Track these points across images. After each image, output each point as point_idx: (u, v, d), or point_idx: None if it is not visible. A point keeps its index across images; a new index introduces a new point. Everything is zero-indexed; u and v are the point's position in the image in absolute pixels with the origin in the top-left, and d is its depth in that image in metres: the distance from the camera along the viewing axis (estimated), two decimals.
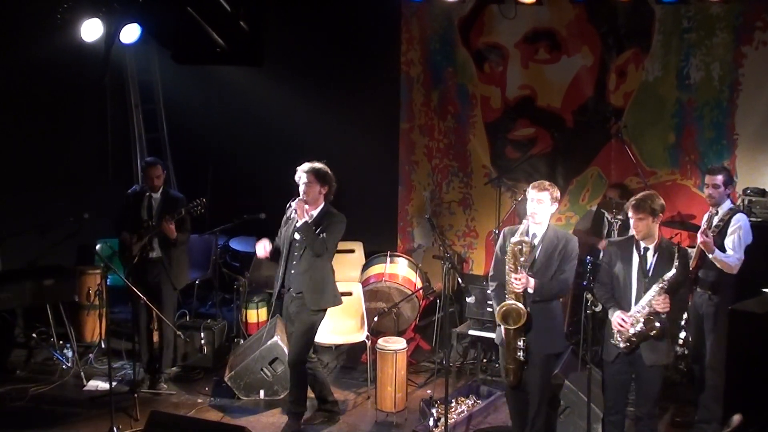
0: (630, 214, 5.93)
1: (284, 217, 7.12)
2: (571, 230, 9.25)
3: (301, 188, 6.88)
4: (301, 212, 6.81)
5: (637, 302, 5.96)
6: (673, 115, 9.05)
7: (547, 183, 6.25)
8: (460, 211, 10.21)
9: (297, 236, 6.90)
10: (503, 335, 6.29)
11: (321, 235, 6.83)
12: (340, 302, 7.22)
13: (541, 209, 6.19)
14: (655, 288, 5.86)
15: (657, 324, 5.84)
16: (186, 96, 10.89)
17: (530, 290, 6.12)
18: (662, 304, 5.83)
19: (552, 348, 6.31)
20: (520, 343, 6.21)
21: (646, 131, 9.16)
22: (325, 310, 7.12)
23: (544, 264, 6.19)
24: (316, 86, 10.23)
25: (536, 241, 6.23)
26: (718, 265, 6.71)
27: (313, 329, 7.06)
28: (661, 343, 5.90)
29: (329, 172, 6.97)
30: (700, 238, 6.73)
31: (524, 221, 6.23)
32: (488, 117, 9.93)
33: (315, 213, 6.90)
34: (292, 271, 6.95)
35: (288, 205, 7.01)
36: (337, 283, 8.59)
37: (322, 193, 6.92)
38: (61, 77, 9.49)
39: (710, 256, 6.71)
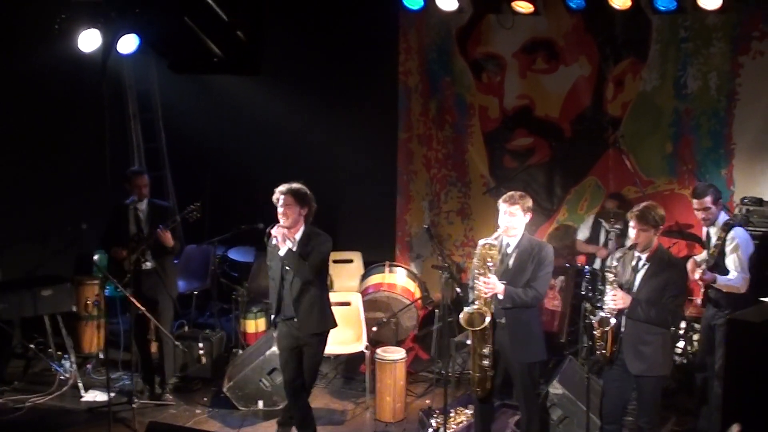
0: (632, 224, 5.91)
1: (268, 247, 6.78)
2: (569, 241, 9.26)
3: (280, 211, 6.56)
4: (282, 239, 6.48)
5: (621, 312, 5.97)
6: (670, 125, 9.05)
7: (517, 195, 6.26)
8: (459, 221, 10.22)
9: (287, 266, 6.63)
10: (469, 341, 6.34)
11: (308, 259, 6.53)
12: (334, 326, 6.89)
13: (515, 222, 6.22)
14: (607, 287, 5.89)
15: (612, 321, 5.85)
16: (184, 106, 10.90)
17: (500, 296, 6.14)
18: (615, 300, 5.86)
19: (530, 357, 6.31)
20: (486, 351, 6.23)
21: (643, 141, 9.17)
22: (326, 334, 6.84)
23: (517, 271, 6.22)
24: (314, 96, 10.24)
25: (509, 250, 6.26)
26: (725, 290, 6.67)
27: (321, 353, 6.84)
28: (646, 350, 5.89)
29: (308, 192, 6.69)
30: (700, 283, 6.66)
31: (498, 231, 6.26)
32: (486, 127, 9.94)
33: (297, 236, 6.61)
34: (285, 300, 6.67)
35: (266, 234, 6.65)
36: (336, 293, 8.66)
37: (302, 214, 6.62)
38: (60, 87, 9.50)
39: (716, 285, 6.66)
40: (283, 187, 6.62)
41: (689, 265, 6.54)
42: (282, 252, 6.52)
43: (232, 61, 8.05)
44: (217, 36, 7.88)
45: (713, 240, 6.84)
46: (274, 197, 6.61)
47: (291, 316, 6.65)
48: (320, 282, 6.73)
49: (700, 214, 6.90)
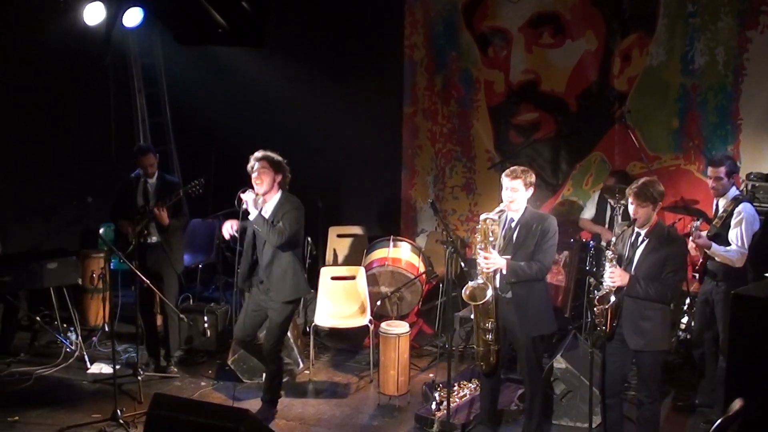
0: (630, 200, 5.91)
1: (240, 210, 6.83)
2: (574, 216, 9.25)
3: (254, 177, 6.64)
4: (253, 204, 6.58)
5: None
6: (677, 100, 9.01)
7: (519, 169, 6.23)
8: (464, 195, 10.22)
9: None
10: (473, 316, 6.36)
11: (278, 224, 6.62)
12: (307, 293, 7.02)
13: (517, 197, 6.21)
14: (606, 264, 5.88)
15: (612, 298, 5.83)
16: (189, 80, 10.87)
17: (503, 270, 6.14)
18: (613, 277, 5.83)
19: (537, 330, 6.32)
20: (489, 325, 6.24)
21: (650, 116, 9.13)
22: (298, 301, 6.96)
23: (520, 245, 6.20)
24: (319, 69, 10.21)
25: (512, 225, 6.26)
26: (719, 260, 6.71)
27: (287, 320, 6.93)
28: (646, 326, 5.89)
29: (282, 160, 6.75)
30: (691, 244, 6.69)
31: (500, 205, 6.26)
32: (492, 101, 9.92)
33: (272, 203, 6.72)
34: (261, 263, 6.77)
35: (237, 199, 6.69)
36: (340, 267, 8.67)
37: (276, 181, 6.69)
38: (64, 61, 9.48)
39: (709, 252, 6.70)
40: (258, 154, 6.70)
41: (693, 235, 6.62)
42: (252, 217, 6.63)
43: (237, 33, 8.04)
44: (222, 7, 7.87)
45: (720, 212, 6.87)
46: (249, 164, 6.69)
47: (260, 280, 6.80)
48: (293, 248, 6.80)
49: (710, 182, 6.93)
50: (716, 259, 6.72)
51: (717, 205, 7.00)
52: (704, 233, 6.80)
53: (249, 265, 6.87)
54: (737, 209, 6.76)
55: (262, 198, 6.69)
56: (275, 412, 7.10)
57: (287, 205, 6.73)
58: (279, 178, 6.72)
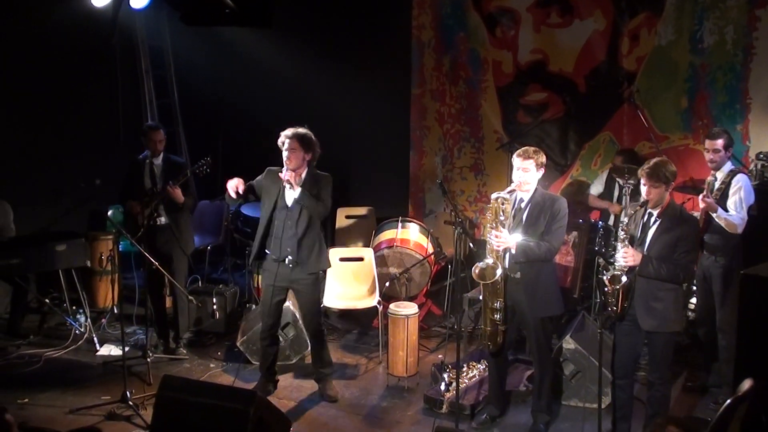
0: (643, 181, 5.87)
1: (263, 176, 6.89)
2: (582, 196, 9.23)
3: (285, 155, 6.65)
4: (294, 183, 6.63)
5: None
6: (686, 80, 8.96)
7: (531, 150, 6.23)
8: (472, 176, 10.20)
9: (289, 204, 6.72)
10: (481, 296, 6.35)
11: (320, 201, 6.71)
12: (329, 266, 7.18)
13: (528, 177, 6.20)
14: (618, 244, 5.87)
15: (623, 278, 5.82)
16: (197, 61, 10.85)
17: (512, 250, 6.14)
18: (626, 258, 5.82)
19: (545, 311, 6.32)
20: (497, 304, 6.24)
21: (658, 96, 9.09)
22: (324, 273, 7.01)
23: (529, 225, 6.20)
24: (326, 50, 10.18)
25: (522, 205, 6.27)
26: (723, 225, 6.73)
27: (318, 293, 7.01)
28: (658, 306, 5.87)
29: (314, 137, 6.77)
30: (701, 204, 6.74)
31: (512, 185, 6.25)
32: (500, 82, 9.89)
33: (301, 179, 6.74)
34: (287, 239, 6.75)
35: (267, 170, 6.81)
36: (349, 249, 8.69)
37: (306, 159, 6.71)
38: (72, 43, 9.47)
39: (714, 215, 6.72)
40: (289, 131, 6.71)
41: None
42: (297, 194, 6.65)
43: (245, 13, 8.01)
44: None
45: (717, 184, 6.91)
46: (280, 140, 6.71)
47: (286, 256, 6.76)
48: (319, 222, 6.89)
49: (708, 155, 6.97)
50: (720, 223, 6.73)
51: (714, 178, 7.01)
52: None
53: (262, 240, 6.87)
54: (734, 180, 6.84)
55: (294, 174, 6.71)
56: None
57: (320, 179, 6.80)
58: (309, 156, 6.74)
